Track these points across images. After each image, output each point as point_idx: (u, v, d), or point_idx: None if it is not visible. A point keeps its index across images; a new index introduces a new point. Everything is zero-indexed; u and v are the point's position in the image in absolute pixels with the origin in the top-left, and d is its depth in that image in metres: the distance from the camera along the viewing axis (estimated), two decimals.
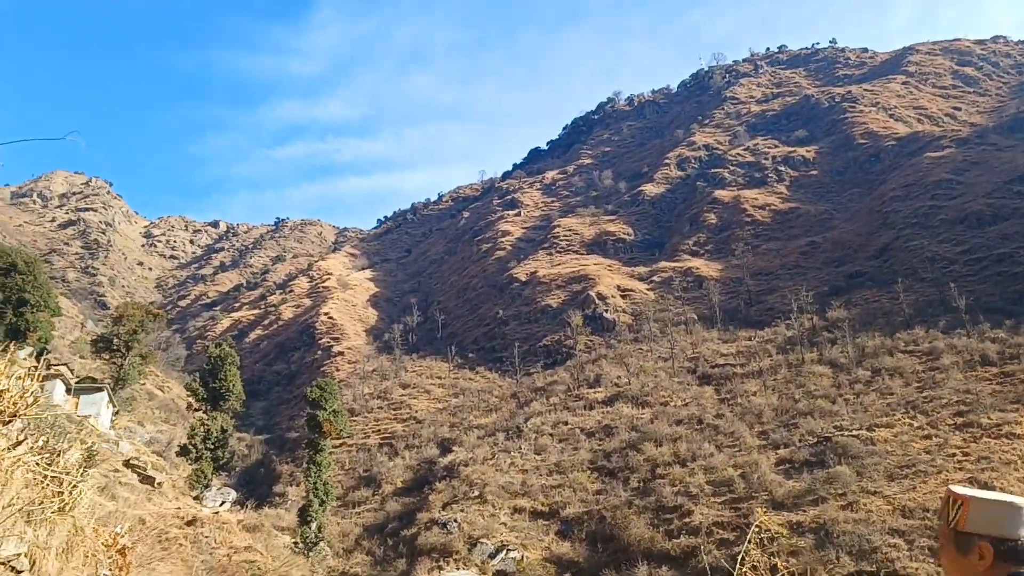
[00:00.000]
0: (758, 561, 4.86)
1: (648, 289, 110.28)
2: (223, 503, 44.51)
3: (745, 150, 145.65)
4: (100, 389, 48.90)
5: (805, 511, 46.97)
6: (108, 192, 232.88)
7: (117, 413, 56.34)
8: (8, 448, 3.84)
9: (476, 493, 62.08)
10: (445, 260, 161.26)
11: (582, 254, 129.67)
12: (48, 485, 4.76)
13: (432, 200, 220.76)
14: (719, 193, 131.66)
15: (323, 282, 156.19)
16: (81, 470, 5.08)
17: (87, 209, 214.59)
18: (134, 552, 6.37)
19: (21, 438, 4.11)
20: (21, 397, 4.07)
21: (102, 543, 5.95)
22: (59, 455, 4.87)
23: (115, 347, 59.13)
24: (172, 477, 45.81)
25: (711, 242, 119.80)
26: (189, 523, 37.15)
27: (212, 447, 48.76)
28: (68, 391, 46.69)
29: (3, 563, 4.71)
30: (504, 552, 52.28)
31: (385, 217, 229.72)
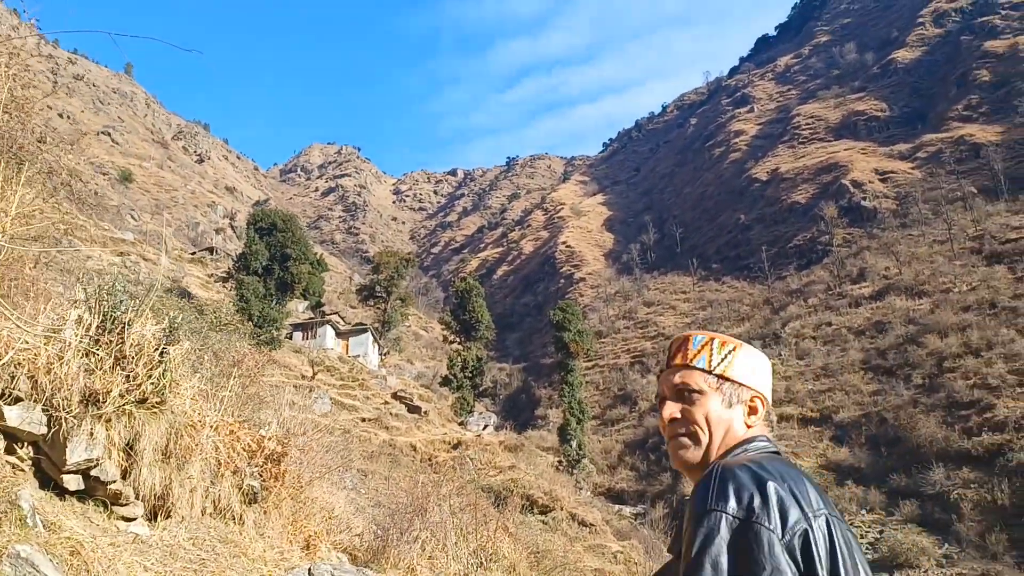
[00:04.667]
0: None
1: (912, 168, 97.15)
2: (485, 427, 46.25)
3: None
4: (364, 331, 52.82)
5: None
6: (357, 157, 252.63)
7: (387, 353, 60.85)
8: None
9: None
10: (676, 172, 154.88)
11: (829, 141, 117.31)
12: (110, 370, 3.67)
13: (656, 113, 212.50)
14: (990, 44, 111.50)
15: (557, 213, 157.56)
16: (161, 349, 3.92)
17: (342, 175, 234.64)
18: (289, 459, 5.33)
19: None
20: None
21: (241, 449, 4.93)
22: (122, 328, 3.78)
23: (377, 293, 63.33)
24: (438, 406, 48.44)
25: (985, 103, 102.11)
26: (454, 446, 38.92)
27: (470, 375, 50.70)
28: (337, 335, 51.01)
29: (79, 471, 3.70)
30: None
31: (610, 139, 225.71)
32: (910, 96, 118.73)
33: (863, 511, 44.48)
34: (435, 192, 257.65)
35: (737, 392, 1.67)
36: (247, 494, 4.86)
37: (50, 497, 3.54)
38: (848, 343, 63.74)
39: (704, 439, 1.63)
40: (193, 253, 71.13)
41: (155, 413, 3.87)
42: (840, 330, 66.71)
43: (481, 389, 53.92)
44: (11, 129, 4.60)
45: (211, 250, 76.36)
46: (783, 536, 1.25)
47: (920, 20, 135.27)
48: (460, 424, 46.24)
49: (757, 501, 1.29)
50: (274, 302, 43.04)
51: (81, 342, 3.59)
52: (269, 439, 5.13)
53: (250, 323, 37.00)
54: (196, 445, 4.23)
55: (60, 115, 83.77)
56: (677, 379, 1.69)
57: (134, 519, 3.96)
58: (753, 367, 1.70)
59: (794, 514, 1.28)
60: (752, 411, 1.67)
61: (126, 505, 3.90)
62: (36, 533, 2.96)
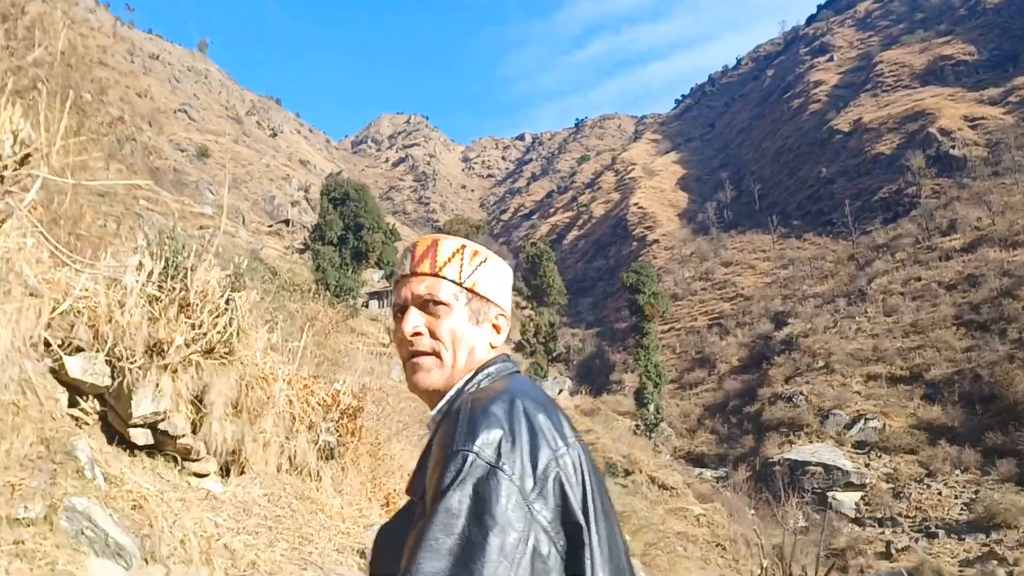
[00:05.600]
0: None
1: (1004, 113, 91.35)
2: (560, 391, 46.17)
3: None
4: None
5: None
6: (426, 126, 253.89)
7: None
8: None
9: (821, 364, 57.53)
10: (753, 126, 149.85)
11: (914, 88, 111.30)
12: (174, 318, 3.45)
13: (730, 67, 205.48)
14: None
15: (628, 174, 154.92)
16: (227, 296, 3.68)
17: (412, 145, 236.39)
18: (365, 414, 5.11)
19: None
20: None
21: (316, 403, 4.72)
22: (185, 274, 3.54)
23: None
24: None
25: None
26: None
27: (543, 340, 50.65)
28: None
29: (147, 425, 3.53)
30: (862, 421, 47.82)
31: (682, 96, 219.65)
32: (1000, 38, 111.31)
33: (957, 471, 42.88)
34: (503, 158, 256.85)
35: (485, 309, 1.47)
36: (323, 450, 4.67)
37: (117, 452, 3.38)
38: (939, 298, 61.00)
39: (448, 359, 1.42)
40: (270, 226, 72.84)
41: (223, 364, 3.66)
42: (930, 285, 63.85)
43: (555, 354, 53.77)
44: (67, 75, 4.42)
45: (287, 222, 77.98)
46: (533, 485, 1.14)
47: None
48: None
49: (506, 445, 1.16)
50: (350, 271, 43.65)
51: (143, 288, 3.39)
52: (344, 393, 4.92)
53: (327, 292, 37.70)
54: (268, 398, 4.03)
55: (139, 94, 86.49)
56: (423, 289, 1.43)
57: (207, 475, 3.79)
58: (501, 282, 1.50)
59: (544, 456, 1.16)
60: (497, 330, 1.49)
61: (198, 460, 3.73)
62: (95, 486, 2.77)
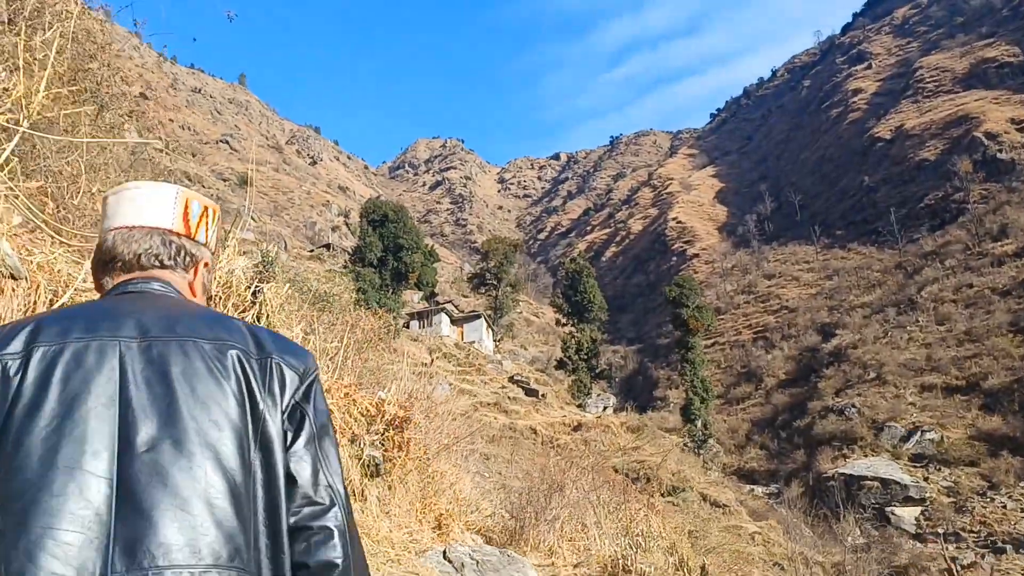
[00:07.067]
0: None
1: None
2: (604, 408, 45.29)
3: None
4: (478, 317, 52.87)
5: None
6: (462, 149, 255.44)
7: (500, 339, 60.84)
8: None
9: (872, 375, 55.75)
10: (791, 138, 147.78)
11: (957, 92, 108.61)
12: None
13: (765, 79, 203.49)
14: None
15: (665, 189, 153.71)
16: (254, 288, 3.19)
17: (448, 168, 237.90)
18: (413, 426, 4.58)
19: None
20: None
21: (358, 414, 4.22)
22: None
23: (487, 281, 63.50)
24: (555, 389, 47.80)
25: None
26: (575, 428, 38.17)
27: (585, 357, 49.83)
28: (452, 322, 51.31)
29: None
30: (919, 433, 46.05)
31: (717, 110, 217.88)
32: None
33: (1022, 483, 40.90)
34: (539, 178, 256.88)
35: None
36: (367, 466, 4.15)
37: None
38: (993, 304, 58.91)
39: None
40: (311, 251, 73.34)
41: None
42: (983, 291, 61.72)
43: (597, 371, 52.89)
44: (81, 61, 4.02)
45: (328, 247, 78.52)
46: None
47: None
48: (578, 406, 45.49)
49: None
50: (390, 292, 43.56)
51: None
52: (389, 403, 4.41)
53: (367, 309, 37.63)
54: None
55: (182, 127, 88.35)
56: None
57: None
58: None
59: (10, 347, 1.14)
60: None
61: None
62: None
